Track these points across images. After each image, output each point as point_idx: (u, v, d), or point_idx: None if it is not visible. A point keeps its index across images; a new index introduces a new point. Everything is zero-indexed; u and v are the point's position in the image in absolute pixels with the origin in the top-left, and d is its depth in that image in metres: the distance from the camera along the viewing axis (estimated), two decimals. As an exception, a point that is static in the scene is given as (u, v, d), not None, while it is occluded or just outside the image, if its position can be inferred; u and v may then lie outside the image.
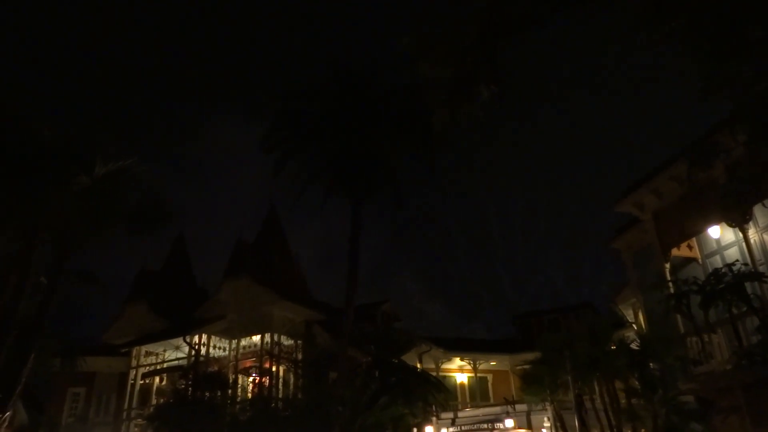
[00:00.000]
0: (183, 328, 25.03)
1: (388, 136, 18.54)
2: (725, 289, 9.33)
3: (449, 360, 31.04)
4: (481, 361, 31.85)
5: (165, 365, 26.44)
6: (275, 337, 24.33)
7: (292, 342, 24.91)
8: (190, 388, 19.98)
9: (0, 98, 10.98)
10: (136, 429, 24.44)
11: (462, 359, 31.61)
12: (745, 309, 9.63)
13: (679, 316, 12.98)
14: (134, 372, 26.16)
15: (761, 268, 12.27)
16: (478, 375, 32.01)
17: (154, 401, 25.44)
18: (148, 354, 26.83)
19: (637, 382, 14.19)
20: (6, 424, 10.30)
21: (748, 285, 10.11)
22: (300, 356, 24.20)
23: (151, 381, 26.66)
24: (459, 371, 32.43)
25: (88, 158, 11.09)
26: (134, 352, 26.38)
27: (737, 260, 10.03)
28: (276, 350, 24.08)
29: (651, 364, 14.06)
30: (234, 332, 25.21)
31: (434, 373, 26.22)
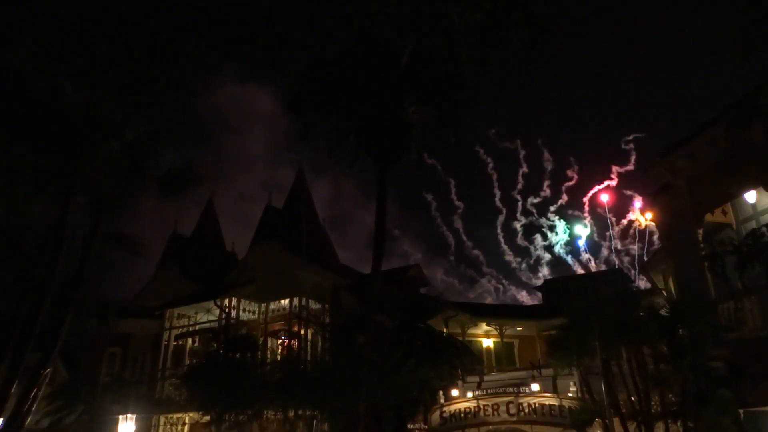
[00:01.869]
0: (213, 292, 25.58)
1: (414, 101, 18.35)
2: (764, 250, 9.00)
3: (475, 325, 31.20)
4: (507, 327, 31.96)
5: (197, 327, 27.14)
6: (303, 301, 24.71)
7: (320, 306, 25.27)
8: (221, 350, 20.50)
9: (29, 62, 11.13)
10: (170, 387, 25.28)
11: (488, 324, 31.75)
12: None
13: (711, 282, 12.78)
14: (167, 334, 26.92)
15: (799, 234, 11.95)
16: (505, 340, 32.17)
17: (187, 362, 26.22)
18: (180, 316, 27.54)
19: (665, 348, 14.08)
20: (47, 380, 10.76)
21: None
22: (327, 320, 24.57)
23: (184, 342, 27.43)
24: (485, 336, 32.63)
25: (118, 122, 11.24)
26: (167, 314, 27.10)
27: (771, 224, 9.74)
28: (304, 314, 24.48)
29: (680, 330, 13.90)
30: (263, 296, 25.67)
31: (460, 338, 26.44)
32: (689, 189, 14.71)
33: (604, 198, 67.35)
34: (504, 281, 72.88)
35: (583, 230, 69.09)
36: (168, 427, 24.97)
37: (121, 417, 18.66)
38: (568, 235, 70.21)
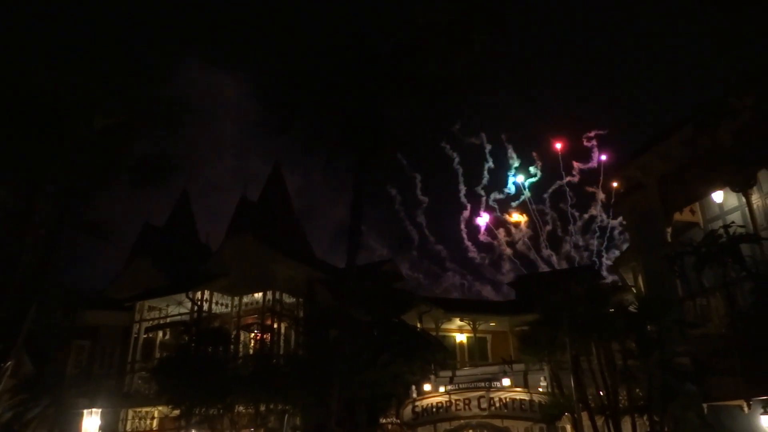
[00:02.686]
0: (186, 284, 25.30)
1: (394, 97, 18.34)
2: (720, 251, 9.28)
3: (449, 320, 31.37)
4: (481, 322, 32.20)
5: (168, 320, 26.81)
6: (277, 295, 24.58)
7: (294, 300, 25.16)
8: (192, 343, 20.29)
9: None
10: (139, 381, 24.94)
11: (462, 320, 31.95)
12: (742, 272, 9.62)
13: (678, 280, 13.06)
14: (138, 326, 26.54)
15: (763, 233, 12.26)
16: (478, 335, 32.42)
17: (157, 355, 25.90)
18: (151, 309, 27.17)
19: (633, 344, 14.33)
20: (8, 373, 10.51)
21: (747, 248, 10.09)
22: (301, 314, 24.49)
23: (155, 335, 27.09)
24: (459, 331, 32.84)
25: (87, 110, 10.99)
26: (138, 306, 26.71)
27: (733, 222, 9.99)
28: (278, 307, 24.36)
29: (648, 327, 14.16)
30: (236, 289, 25.46)
31: (434, 333, 26.56)
32: (659, 188, 14.98)
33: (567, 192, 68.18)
34: (468, 277, 73.44)
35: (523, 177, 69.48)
36: (136, 421, 24.65)
37: (86, 411, 18.30)
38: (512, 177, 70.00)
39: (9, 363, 10.53)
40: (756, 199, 12.94)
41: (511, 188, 68.59)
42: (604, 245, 65.01)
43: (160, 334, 27.19)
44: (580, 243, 67.72)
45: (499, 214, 71.44)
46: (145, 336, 26.73)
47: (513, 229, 68.74)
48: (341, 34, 18.27)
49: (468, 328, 32.22)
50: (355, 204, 18.75)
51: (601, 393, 15.70)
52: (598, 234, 66.44)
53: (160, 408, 23.18)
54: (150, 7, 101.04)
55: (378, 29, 17.88)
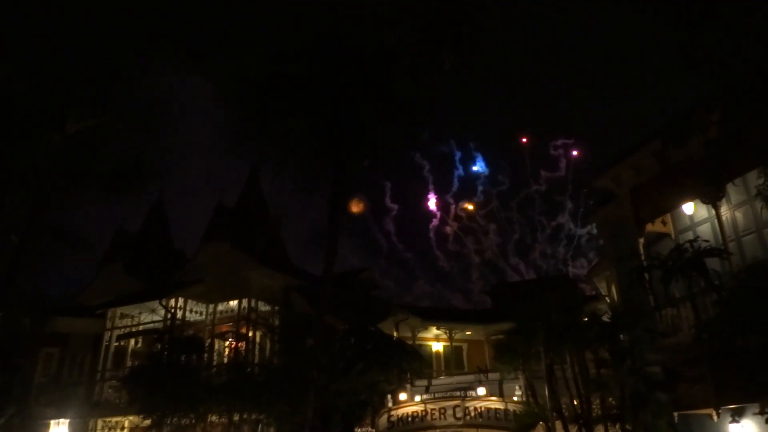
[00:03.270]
0: (159, 291, 24.91)
1: (370, 103, 18.38)
2: (686, 264, 9.54)
3: (426, 329, 31.42)
4: (457, 331, 32.32)
5: (140, 328, 26.38)
6: (253, 303, 24.36)
7: (270, 308, 24.96)
8: (165, 351, 19.98)
9: None
10: (110, 390, 24.47)
11: (438, 328, 32.03)
12: (706, 285, 9.87)
13: (647, 292, 13.27)
14: (109, 334, 26.05)
15: (731, 245, 12.55)
16: (454, 344, 32.52)
17: (129, 363, 25.45)
18: (123, 316, 26.70)
19: (606, 353, 14.50)
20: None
21: (716, 261, 10.32)
22: (277, 322, 24.29)
23: (126, 343, 26.62)
24: (435, 340, 32.90)
25: (59, 115, 10.80)
26: (109, 313, 26.22)
27: (698, 236, 10.28)
28: (253, 315, 24.13)
29: (621, 336, 14.36)
30: (211, 296, 25.17)
31: (410, 342, 26.55)
32: (632, 199, 15.24)
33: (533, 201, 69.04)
34: (438, 284, 73.80)
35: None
36: (106, 431, 24.15)
37: (53, 422, 17.85)
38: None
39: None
40: (725, 211, 13.25)
41: (480, 168, 68.32)
42: (570, 254, 65.93)
43: (132, 342, 26.74)
44: (548, 251, 68.61)
45: (467, 221, 71.99)
46: (116, 344, 26.25)
47: (483, 238, 69.32)
48: (313, 43, 18.27)
49: (444, 336, 32.30)
50: (332, 212, 18.74)
51: (575, 402, 15.86)
52: (565, 242, 67.40)
53: (130, 418, 22.74)
54: (116, 9, 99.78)
55: (350, 41, 17.96)
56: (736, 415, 12.11)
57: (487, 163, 72.84)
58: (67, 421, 17.95)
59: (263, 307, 24.89)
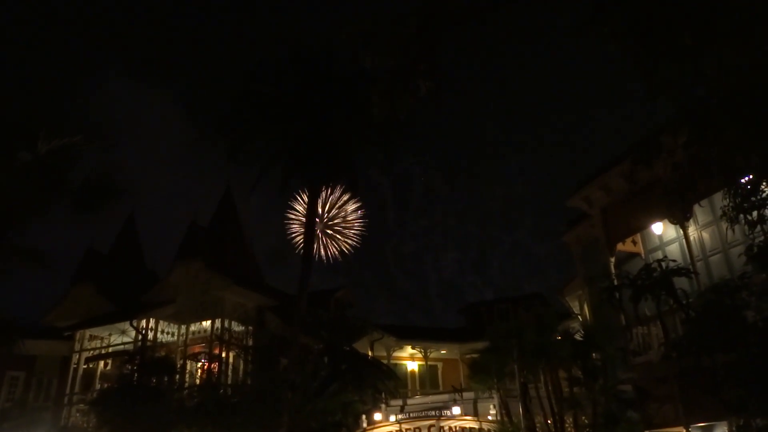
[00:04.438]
0: (130, 312, 24.44)
1: (346, 123, 18.48)
2: (654, 284, 9.75)
3: (401, 348, 31.36)
4: (432, 350, 32.32)
5: (110, 350, 25.81)
6: (226, 323, 24.05)
7: (243, 328, 24.66)
8: (135, 374, 19.55)
9: None
10: (77, 414, 23.80)
11: (413, 347, 31.99)
12: (672, 303, 10.09)
13: (621, 312, 13.48)
14: (77, 356, 25.42)
15: (699, 264, 12.86)
16: (429, 363, 32.49)
17: (97, 386, 24.83)
18: (92, 338, 26.10)
19: (579, 371, 14.66)
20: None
21: (684, 281, 10.56)
22: (251, 342, 23.99)
23: (95, 366, 26.01)
24: (410, 359, 32.83)
25: (30, 133, 10.62)
26: (78, 335, 25.62)
27: (665, 256, 10.55)
28: (226, 336, 23.81)
29: (593, 354, 14.54)
30: (183, 317, 24.78)
31: (385, 361, 26.47)
32: (603, 219, 15.54)
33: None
34: (398, 303, 73.87)
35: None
36: (73, 456, 23.45)
37: (18, 447, 17.35)
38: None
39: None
40: (692, 231, 13.59)
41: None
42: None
43: (102, 364, 26.13)
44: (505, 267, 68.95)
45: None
46: (85, 366, 25.63)
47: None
48: (287, 63, 18.37)
49: (419, 355, 32.26)
50: (308, 230, 18.74)
51: (549, 420, 15.93)
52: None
53: (99, 442, 22.14)
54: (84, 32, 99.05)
55: (324, 62, 18.11)
56: (706, 433, 12.33)
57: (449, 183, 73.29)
58: (31, 447, 17.44)
59: (237, 327, 24.59)
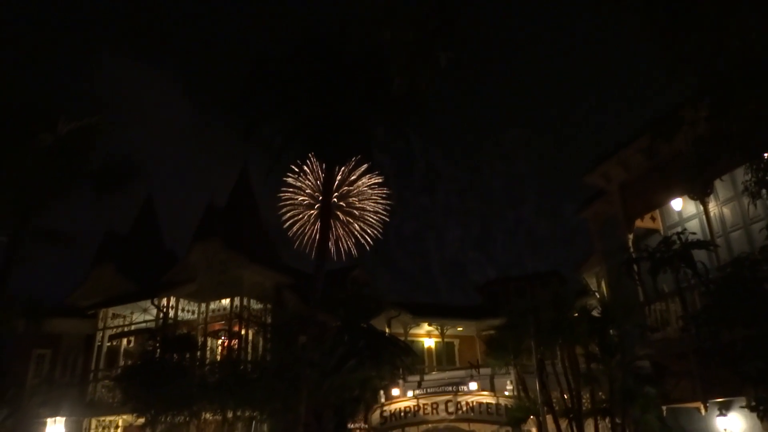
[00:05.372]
0: (151, 291, 24.87)
1: (362, 102, 18.42)
2: (674, 256, 9.62)
3: (417, 325, 31.54)
4: (449, 327, 32.47)
5: (132, 327, 26.32)
6: (245, 301, 24.37)
7: (262, 306, 24.98)
8: (158, 350, 19.98)
9: None
10: (103, 389, 24.42)
11: (430, 324, 32.15)
12: (691, 277, 9.96)
13: (639, 286, 13.44)
14: (101, 334, 25.97)
15: (719, 240, 12.73)
16: (446, 340, 32.67)
17: (121, 363, 25.40)
18: (115, 316, 26.63)
19: (596, 348, 14.69)
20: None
21: (704, 255, 10.46)
22: (269, 320, 24.33)
23: (119, 343, 26.55)
24: (427, 336, 33.04)
25: (50, 115, 10.76)
26: (101, 314, 26.14)
27: (685, 229, 10.41)
28: (245, 314, 24.15)
29: (611, 331, 14.54)
30: (203, 295, 25.15)
31: (402, 338, 26.67)
32: (621, 195, 15.40)
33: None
34: (401, 283, 74.06)
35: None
36: (100, 430, 24.12)
37: (49, 420, 17.90)
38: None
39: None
40: (713, 207, 13.43)
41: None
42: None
43: (125, 341, 26.67)
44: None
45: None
46: (108, 344, 26.17)
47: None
48: (302, 43, 18.25)
49: (436, 332, 32.45)
50: (324, 209, 18.79)
51: (565, 396, 16.04)
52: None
53: (124, 416, 22.74)
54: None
55: (339, 40, 17.98)
56: (724, 409, 12.33)
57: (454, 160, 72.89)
58: (63, 419, 17.98)
59: (255, 305, 24.91)
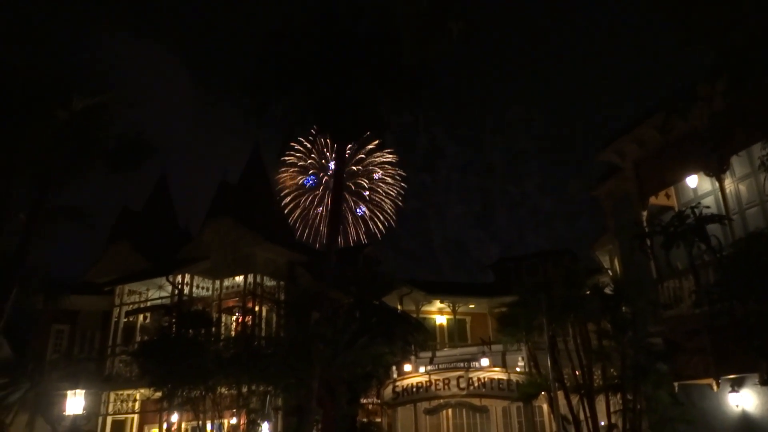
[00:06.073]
0: (166, 268, 25.18)
1: (374, 78, 18.29)
2: (688, 231, 9.51)
3: (429, 302, 31.73)
4: (460, 304, 32.62)
5: (148, 304, 26.71)
6: (258, 278, 24.61)
7: (275, 283, 25.21)
8: (174, 326, 20.29)
9: None
10: (120, 364, 24.91)
11: (442, 302, 32.33)
12: (707, 251, 9.85)
13: (653, 263, 13.39)
14: (118, 310, 26.41)
15: (735, 218, 12.60)
16: (457, 317, 32.86)
17: (138, 338, 25.83)
18: (131, 293, 27.03)
19: (608, 325, 14.69)
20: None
21: (719, 231, 10.39)
22: (282, 296, 24.58)
23: (135, 319, 26.99)
24: (438, 313, 33.24)
25: (65, 92, 10.81)
26: (117, 290, 26.56)
27: (699, 203, 10.28)
28: (259, 290, 24.41)
29: (623, 308, 14.53)
30: (217, 272, 25.43)
31: (414, 315, 26.88)
32: (636, 173, 15.25)
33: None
34: (404, 262, 74.06)
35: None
36: (118, 403, 24.67)
37: (69, 392, 18.32)
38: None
39: (-10, 347, 10.47)
40: (729, 183, 13.26)
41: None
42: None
43: (141, 317, 27.09)
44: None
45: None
46: (125, 320, 26.62)
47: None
48: (311, 19, 18.07)
49: (448, 310, 32.63)
50: (336, 186, 18.83)
51: (577, 372, 16.12)
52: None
53: (142, 390, 23.21)
54: None
55: (355, 13, 17.77)
56: (736, 385, 12.34)
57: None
58: (83, 391, 18.42)
59: (269, 282, 25.15)
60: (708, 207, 10.28)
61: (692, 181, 14.05)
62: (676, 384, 13.25)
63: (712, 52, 5.97)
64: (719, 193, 12.91)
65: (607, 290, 15.37)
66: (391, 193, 39.24)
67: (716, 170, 12.45)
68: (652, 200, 14.93)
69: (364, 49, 17.63)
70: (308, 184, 59.55)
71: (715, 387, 12.08)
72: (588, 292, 15.74)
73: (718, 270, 9.44)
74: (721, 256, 9.12)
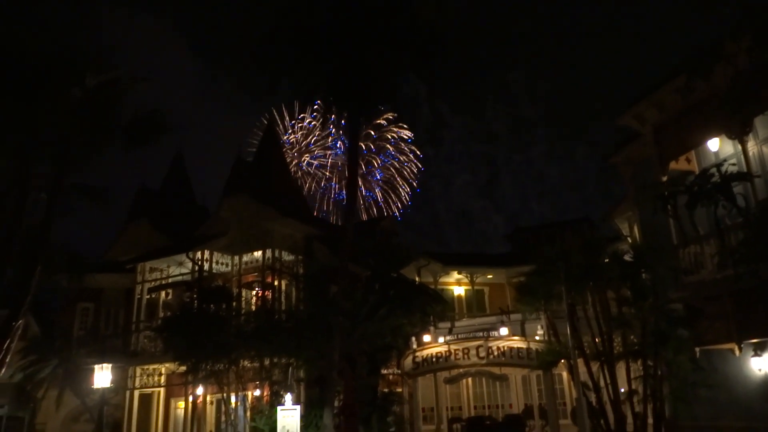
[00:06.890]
0: (186, 245, 25.47)
1: (387, 52, 18.05)
2: (713, 189, 9.27)
3: (447, 274, 31.81)
4: (478, 275, 32.67)
5: (170, 281, 27.12)
6: (276, 253, 24.80)
7: (293, 257, 25.41)
8: (195, 302, 20.61)
9: None
10: (145, 340, 25.44)
11: (459, 273, 32.40)
12: (733, 210, 9.60)
13: (673, 228, 13.21)
14: (140, 287, 26.86)
15: (758, 181, 12.33)
16: (475, 288, 32.94)
17: (161, 314, 26.30)
18: (152, 270, 27.43)
19: (628, 292, 14.58)
20: (19, 332, 10.72)
21: (741, 193, 10.17)
22: (301, 271, 24.78)
23: (157, 296, 27.45)
24: (456, 284, 33.34)
25: (78, 69, 10.82)
26: (139, 268, 26.97)
27: (725, 160, 9.99)
28: (277, 265, 24.62)
29: (643, 275, 14.39)
30: (236, 248, 25.66)
31: (433, 286, 26.97)
32: (655, 137, 14.96)
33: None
34: (410, 236, 74.11)
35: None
36: (144, 377, 25.26)
37: (96, 367, 18.80)
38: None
39: (19, 323, 10.72)
40: (752, 145, 12.95)
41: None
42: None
43: (163, 294, 27.55)
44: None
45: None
46: (147, 297, 27.09)
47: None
48: None
49: (466, 280, 32.70)
50: (351, 160, 18.77)
51: (597, 340, 16.08)
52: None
53: (166, 365, 23.72)
54: None
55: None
56: (759, 350, 12.23)
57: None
58: (110, 366, 18.89)
59: (287, 256, 25.35)
60: (734, 164, 10.00)
61: (713, 144, 13.74)
62: (697, 349, 13.16)
63: (736, 9, 5.77)
64: (742, 156, 12.61)
65: (627, 257, 15.23)
66: (406, 172, 39.15)
67: (739, 132, 12.13)
68: (673, 165, 14.65)
69: (376, 14, 17.37)
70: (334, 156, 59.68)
71: (737, 351, 11.97)
72: (607, 260, 15.61)
73: (744, 229, 9.23)
74: (748, 215, 8.91)
